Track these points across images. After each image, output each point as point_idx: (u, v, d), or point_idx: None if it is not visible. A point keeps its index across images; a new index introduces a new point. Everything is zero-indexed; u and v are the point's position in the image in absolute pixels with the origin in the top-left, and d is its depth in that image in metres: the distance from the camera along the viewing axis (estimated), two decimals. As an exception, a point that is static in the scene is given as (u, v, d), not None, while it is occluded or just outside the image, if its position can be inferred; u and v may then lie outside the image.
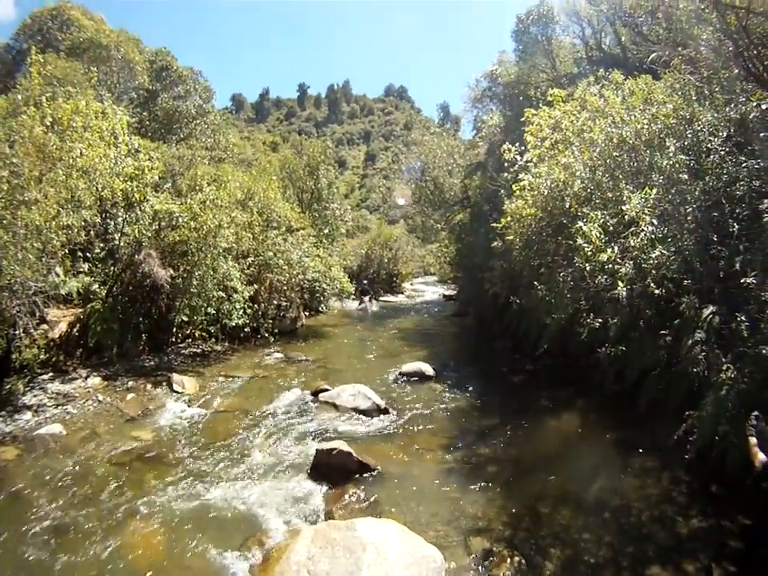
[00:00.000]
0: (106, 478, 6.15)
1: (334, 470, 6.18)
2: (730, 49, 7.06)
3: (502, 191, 11.52)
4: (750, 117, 6.75)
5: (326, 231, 21.64)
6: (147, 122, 20.89)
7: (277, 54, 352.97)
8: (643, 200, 6.74)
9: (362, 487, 6.00)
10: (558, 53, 15.67)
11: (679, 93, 7.87)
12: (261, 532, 5.12)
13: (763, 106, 6.60)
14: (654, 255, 6.43)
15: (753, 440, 4.38)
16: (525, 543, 5.00)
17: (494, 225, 10.41)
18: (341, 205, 24.50)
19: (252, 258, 13.56)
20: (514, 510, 5.57)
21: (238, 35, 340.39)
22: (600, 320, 7.42)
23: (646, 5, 10.35)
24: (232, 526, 5.25)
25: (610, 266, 6.74)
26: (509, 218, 9.54)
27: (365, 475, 6.25)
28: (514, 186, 9.63)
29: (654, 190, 6.85)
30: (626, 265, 6.62)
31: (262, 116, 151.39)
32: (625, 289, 6.49)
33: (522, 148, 9.88)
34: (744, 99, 7.00)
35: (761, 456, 4.24)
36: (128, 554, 4.79)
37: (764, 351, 5.14)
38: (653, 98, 8.22)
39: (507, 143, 10.40)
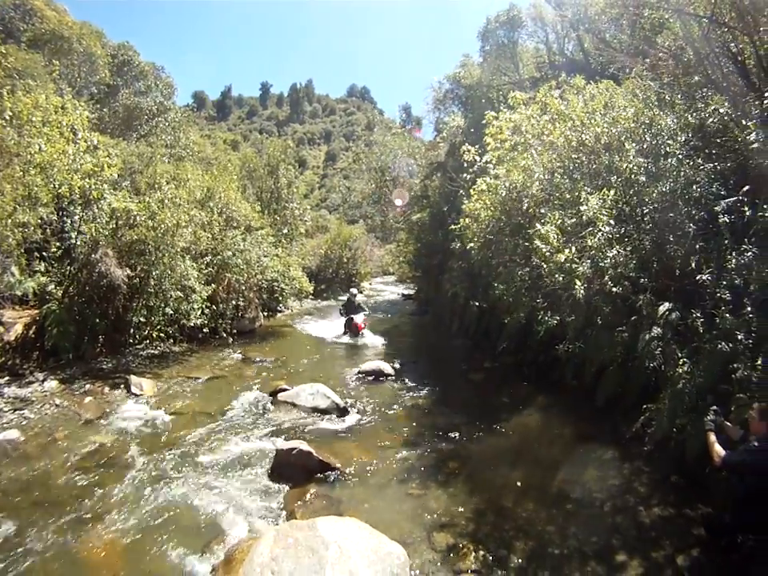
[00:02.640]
0: (65, 484, 5.90)
1: (294, 470, 6.07)
2: (692, 57, 7.28)
3: (461, 192, 11.61)
4: (709, 122, 6.95)
5: (285, 231, 21.21)
6: (107, 118, 20.19)
7: (241, 51, 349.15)
8: (601, 201, 6.83)
9: (324, 486, 5.93)
10: (521, 57, 15.91)
11: (640, 98, 8.01)
12: (223, 534, 5.01)
13: (721, 110, 6.79)
14: (611, 254, 6.52)
15: (711, 435, 4.33)
16: (489, 537, 4.98)
17: (453, 226, 10.46)
18: (300, 204, 24.05)
19: (210, 258, 13.28)
20: (476, 505, 5.54)
21: (202, 31, 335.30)
22: (557, 318, 7.60)
23: (610, 12, 10.58)
24: (194, 528, 5.09)
25: (568, 265, 6.77)
26: (467, 219, 9.60)
27: (326, 474, 6.16)
28: (472, 190, 9.69)
29: (612, 192, 6.96)
30: (584, 264, 6.67)
31: (223, 114, 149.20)
32: (582, 287, 6.53)
33: (482, 150, 9.95)
34: (703, 105, 7.20)
35: (719, 451, 4.19)
36: (89, 561, 4.59)
37: (720, 346, 5.27)
38: (613, 102, 8.30)
39: (467, 144, 10.48)
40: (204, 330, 12.45)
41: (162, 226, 10.66)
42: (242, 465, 6.43)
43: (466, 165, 10.73)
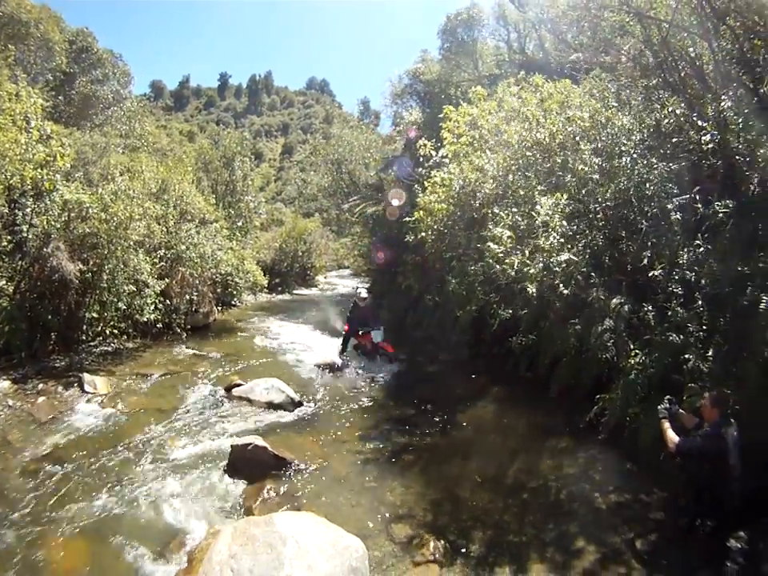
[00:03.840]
0: (20, 488, 5.57)
1: (250, 466, 5.95)
2: (651, 59, 7.36)
3: (416, 186, 11.53)
4: (665, 123, 7.05)
5: (240, 224, 20.84)
6: (62, 107, 19.36)
7: (200, 40, 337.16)
8: (554, 203, 6.88)
9: (280, 481, 5.84)
10: (481, 54, 15.97)
11: (597, 98, 8.11)
12: (182, 533, 4.87)
13: (678, 111, 6.90)
14: (562, 258, 6.52)
15: (666, 423, 4.45)
16: (447, 527, 4.98)
17: (407, 219, 10.44)
18: (255, 197, 23.81)
19: (164, 251, 12.83)
20: (433, 496, 5.55)
21: (162, 18, 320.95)
22: (511, 311, 7.58)
23: (572, 14, 10.69)
24: (153, 529, 4.93)
25: (520, 266, 6.83)
26: (421, 212, 9.61)
27: (282, 469, 6.05)
28: (426, 182, 9.72)
29: (566, 191, 7.03)
30: (536, 266, 6.68)
31: (180, 104, 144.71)
32: (534, 288, 6.59)
33: (439, 144, 9.94)
34: (660, 107, 7.31)
35: (673, 437, 4.30)
36: (47, 569, 4.35)
37: (671, 338, 5.39)
38: (570, 101, 8.42)
39: (424, 139, 10.46)
40: (158, 326, 12.01)
41: (115, 218, 10.23)
42: (197, 462, 6.26)
43: (422, 159, 10.70)
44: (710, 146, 5.79)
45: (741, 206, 5.63)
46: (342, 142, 24.15)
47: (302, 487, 5.72)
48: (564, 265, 6.51)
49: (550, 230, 6.72)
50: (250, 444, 6.09)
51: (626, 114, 7.64)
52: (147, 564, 4.43)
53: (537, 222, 6.85)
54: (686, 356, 5.23)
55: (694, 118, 6.28)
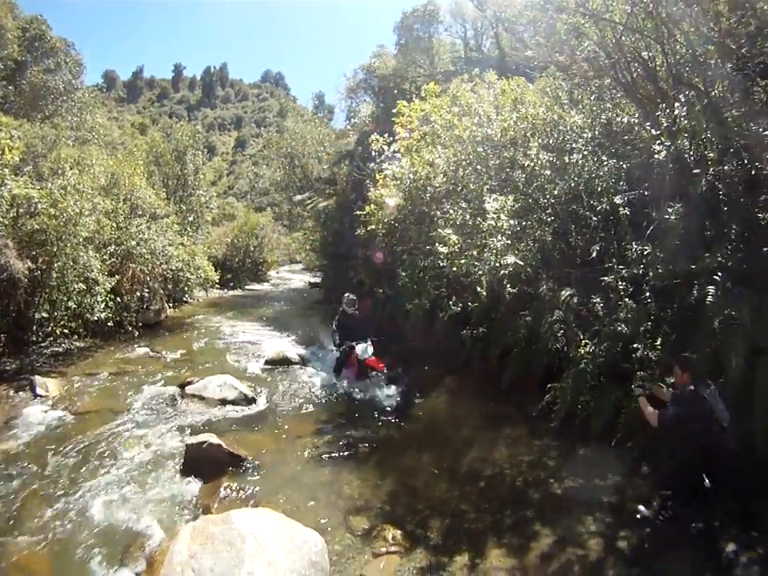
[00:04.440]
0: None
1: (206, 464, 5.80)
2: (604, 60, 7.40)
3: (368, 180, 11.47)
4: (616, 121, 7.11)
5: (191, 219, 20.28)
6: (12, 97, 18.50)
7: (156, 29, 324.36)
8: (501, 206, 6.89)
9: (237, 478, 5.72)
10: (437, 50, 15.94)
11: (550, 96, 8.20)
12: (141, 537, 4.70)
13: (630, 112, 7.03)
14: (509, 261, 6.47)
15: (643, 400, 4.54)
16: (405, 518, 4.95)
17: (359, 212, 10.35)
18: (207, 191, 23.25)
19: (114, 248, 12.27)
20: (390, 488, 5.52)
21: (117, 6, 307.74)
22: (461, 304, 7.62)
23: (529, 14, 10.73)
24: (111, 534, 4.73)
25: (468, 267, 6.94)
26: (372, 206, 9.55)
27: (238, 466, 5.93)
28: (377, 175, 9.68)
29: (512, 197, 7.05)
30: (484, 267, 6.78)
31: (133, 96, 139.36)
32: (484, 287, 6.80)
33: (392, 139, 9.87)
34: (612, 106, 7.42)
35: (653, 411, 4.38)
36: None
37: (619, 328, 5.45)
38: (523, 99, 8.46)
39: (376, 134, 10.39)
40: (108, 324, 11.44)
41: (65, 214, 9.74)
42: (153, 462, 6.07)
43: (374, 153, 10.62)
44: (662, 155, 5.80)
45: (689, 207, 5.65)
46: (296, 136, 23.82)
47: (259, 483, 5.61)
48: (510, 267, 6.52)
49: (497, 231, 6.73)
50: (205, 442, 5.95)
51: (578, 112, 7.71)
52: (108, 571, 4.27)
53: (484, 225, 6.85)
54: (635, 345, 5.30)
55: (648, 126, 6.28)
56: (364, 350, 8.75)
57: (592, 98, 7.89)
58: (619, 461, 5.24)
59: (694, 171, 5.68)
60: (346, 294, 9.57)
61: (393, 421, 7.32)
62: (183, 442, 6.31)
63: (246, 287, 25.74)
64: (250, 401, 8.02)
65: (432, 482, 5.58)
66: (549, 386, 5.99)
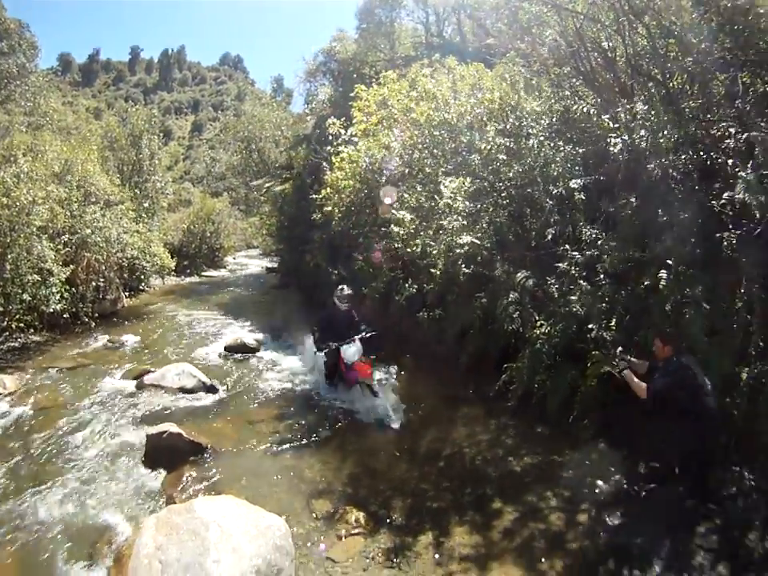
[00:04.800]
0: None
1: (167, 454, 5.68)
2: (565, 49, 7.36)
3: (324, 164, 11.26)
4: (574, 109, 7.07)
5: (147, 205, 19.34)
6: None
7: (113, 11, 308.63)
8: (458, 187, 6.94)
9: (199, 467, 5.61)
10: (399, 35, 15.76)
11: (508, 82, 8.10)
12: (108, 531, 4.55)
13: (588, 100, 7.00)
14: (464, 241, 6.52)
15: (629, 373, 4.63)
16: (367, 499, 4.93)
17: (314, 196, 10.27)
18: (162, 177, 22.23)
19: (68, 237, 11.63)
20: (351, 470, 5.50)
21: None
22: (416, 286, 7.64)
23: (492, 1, 10.67)
24: (78, 531, 4.56)
25: (424, 247, 6.92)
26: (329, 189, 9.45)
27: (199, 454, 5.81)
28: (333, 158, 9.55)
29: (469, 178, 7.09)
30: (439, 247, 6.78)
31: (89, 79, 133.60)
32: (440, 268, 6.71)
33: (349, 123, 9.77)
34: (570, 94, 7.43)
35: (642, 384, 4.47)
36: None
37: (574, 309, 5.47)
38: (482, 84, 8.45)
39: (333, 117, 10.23)
40: (64, 316, 10.92)
41: (18, 203, 9.20)
42: (115, 455, 5.87)
43: (331, 137, 10.42)
44: (619, 146, 5.77)
45: (642, 196, 5.76)
46: (253, 120, 23.24)
47: (221, 471, 5.50)
48: (466, 247, 6.55)
49: (453, 211, 6.73)
50: (165, 432, 5.83)
51: (536, 98, 7.69)
52: (77, 568, 4.12)
53: (440, 204, 6.86)
54: (590, 326, 5.31)
55: (606, 118, 6.21)
56: (352, 352, 7.10)
57: (551, 85, 7.86)
58: (576, 437, 5.33)
59: (649, 161, 5.66)
60: (341, 287, 7.72)
61: (349, 406, 7.20)
62: (144, 432, 6.14)
63: (203, 274, 24.99)
64: (209, 388, 7.84)
65: (393, 463, 5.58)
66: (505, 366, 6.00)
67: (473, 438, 5.95)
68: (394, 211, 7.43)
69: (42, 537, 4.44)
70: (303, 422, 6.70)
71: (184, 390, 7.70)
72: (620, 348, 4.93)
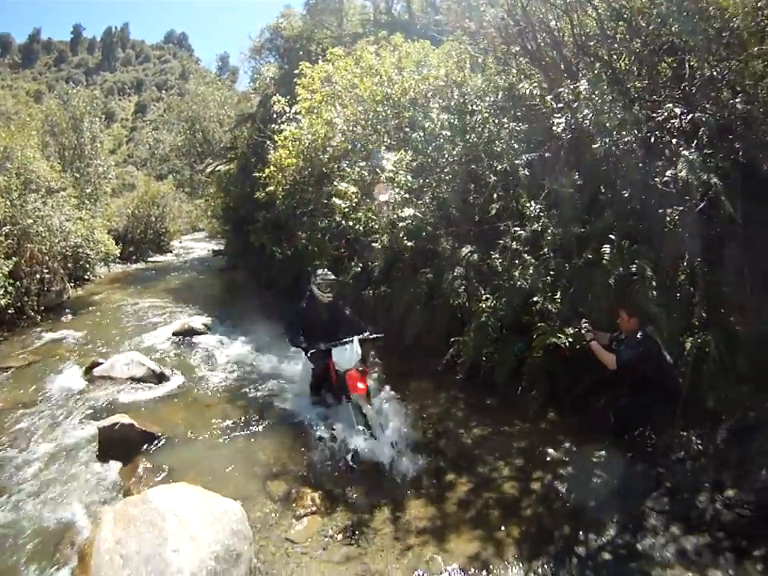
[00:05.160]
0: None
1: (120, 446, 5.51)
2: (513, 28, 7.32)
3: (269, 142, 10.99)
4: (519, 87, 7.00)
5: (89, 191, 18.38)
6: None
7: None
8: (399, 160, 6.92)
9: (153, 457, 5.46)
10: (347, 12, 15.49)
11: (455, 59, 8.05)
12: (69, 530, 4.37)
13: (533, 78, 7.02)
14: (406, 213, 6.56)
15: (596, 345, 4.77)
16: (322, 478, 4.90)
17: (258, 174, 10.05)
18: (105, 161, 21.09)
19: (9, 228, 10.89)
20: (305, 450, 5.40)
21: None
22: (362, 264, 7.52)
23: (442, -21, 10.56)
24: (39, 533, 4.34)
25: (366, 220, 6.94)
26: (272, 168, 9.26)
27: (152, 444, 5.67)
28: (276, 137, 9.38)
29: (411, 152, 7.05)
30: (381, 221, 6.79)
31: (29, 61, 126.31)
32: (383, 242, 6.64)
33: (294, 101, 9.57)
34: (516, 72, 7.41)
35: (610, 355, 4.61)
36: None
37: (518, 283, 5.52)
38: (427, 61, 8.47)
39: (278, 95, 10.08)
40: (9, 311, 10.22)
41: None
42: (69, 452, 5.64)
43: (276, 116, 10.28)
44: (562, 125, 5.84)
45: (584, 174, 5.84)
46: (197, 99, 22.36)
47: (175, 459, 5.36)
48: (409, 220, 6.58)
49: (395, 184, 6.74)
50: (117, 423, 5.63)
51: (482, 76, 7.63)
52: (41, 571, 3.93)
53: (382, 177, 6.81)
54: (535, 299, 5.38)
55: (550, 98, 6.30)
56: (346, 358, 5.52)
57: (497, 63, 7.81)
58: (525, 408, 5.40)
59: (593, 140, 5.68)
60: (320, 272, 6.20)
61: (301, 383, 7.03)
62: (95, 426, 5.86)
63: (149, 259, 23.91)
64: (159, 376, 7.62)
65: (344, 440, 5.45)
66: (452, 340, 5.96)
67: (424, 411, 5.96)
68: (335, 182, 7.35)
69: (2, 542, 4.21)
70: (255, 403, 6.60)
71: (134, 380, 7.47)
72: (585, 321, 5.00)
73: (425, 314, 6.70)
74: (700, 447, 4.67)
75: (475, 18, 8.11)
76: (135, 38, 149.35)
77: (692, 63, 5.81)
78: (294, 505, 4.51)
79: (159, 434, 5.76)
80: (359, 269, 7.47)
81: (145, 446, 5.59)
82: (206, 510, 3.88)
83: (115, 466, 5.30)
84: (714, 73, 5.60)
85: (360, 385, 5.31)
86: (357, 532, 4.12)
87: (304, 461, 5.22)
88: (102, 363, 7.96)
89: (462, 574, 3.66)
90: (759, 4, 5.37)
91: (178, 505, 3.86)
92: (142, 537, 3.59)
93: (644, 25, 6.07)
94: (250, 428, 5.96)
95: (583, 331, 4.91)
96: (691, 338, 4.76)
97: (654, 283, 4.88)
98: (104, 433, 5.57)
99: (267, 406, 6.49)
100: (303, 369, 6.74)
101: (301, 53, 14.52)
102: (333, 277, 6.22)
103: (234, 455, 5.37)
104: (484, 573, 3.65)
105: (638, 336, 4.57)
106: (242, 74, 25.61)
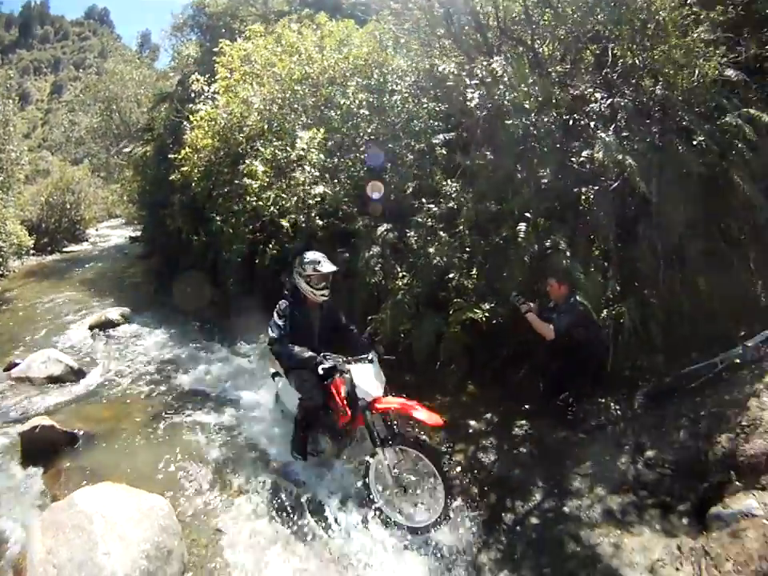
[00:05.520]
0: None
1: (42, 449, 5.20)
2: (438, 10, 7.29)
3: (186, 123, 10.42)
4: (439, 67, 6.99)
5: (1, 179, 16.87)
6: None
7: None
8: (312, 138, 6.83)
9: (77, 458, 5.18)
10: (273, -11, 14.81)
11: (378, 39, 7.99)
12: (1, 544, 4.07)
13: (455, 60, 6.97)
14: (317, 191, 6.54)
15: (531, 316, 4.80)
16: (246, 462, 4.85)
17: (172, 155, 9.58)
18: (18, 146, 19.24)
19: None
20: (227, 437, 5.33)
21: None
22: (278, 247, 7.30)
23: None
24: None
25: (276, 200, 6.82)
26: (188, 149, 8.85)
27: (75, 444, 5.39)
28: (192, 116, 9.02)
29: (323, 129, 6.97)
30: (291, 200, 6.71)
31: None
32: (292, 219, 6.59)
33: (213, 79, 9.20)
34: (438, 53, 7.41)
35: (546, 325, 4.66)
36: None
37: (434, 260, 5.56)
38: (350, 40, 8.32)
39: (197, 74, 9.73)
40: None
41: None
42: None
43: (194, 95, 9.91)
44: (476, 101, 5.92)
45: (499, 151, 5.92)
46: (115, 79, 21.03)
47: (100, 458, 5.13)
48: (318, 198, 6.54)
49: (307, 162, 6.67)
50: (37, 426, 5.34)
51: (404, 56, 7.63)
52: None
53: (292, 155, 6.78)
54: (450, 275, 5.45)
55: (464, 75, 6.40)
56: (372, 381, 4.03)
57: (420, 44, 7.76)
58: (444, 383, 5.52)
59: (509, 118, 5.77)
60: (309, 257, 4.52)
61: (223, 364, 7.19)
62: (16, 431, 5.52)
63: (65, 250, 22.45)
64: (78, 373, 7.28)
65: (265, 423, 5.45)
66: (369, 318, 5.86)
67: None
68: (247, 161, 7.19)
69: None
70: (175, 394, 6.43)
71: (52, 379, 7.10)
72: (515, 293, 5.05)
73: (342, 293, 6.51)
74: (619, 413, 4.88)
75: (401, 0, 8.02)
76: (55, 13, 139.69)
77: (615, 51, 6.00)
78: (221, 493, 4.42)
79: (82, 434, 5.50)
80: (275, 252, 7.21)
81: (68, 447, 5.31)
82: (132, 507, 3.80)
83: (39, 470, 4.99)
84: (637, 61, 5.82)
85: (411, 410, 3.90)
86: (284, 512, 4.06)
87: (229, 448, 5.08)
88: (18, 364, 7.53)
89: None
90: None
91: (105, 505, 3.76)
92: (71, 543, 3.47)
93: (570, 12, 6.14)
94: (173, 419, 5.75)
95: (517, 303, 4.94)
96: (606, 310, 4.97)
97: (568, 254, 5.09)
98: (25, 437, 5.29)
99: (189, 396, 6.31)
100: (278, 397, 5.18)
101: (224, 30, 13.94)
102: (331, 266, 4.48)
103: (158, 449, 5.16)
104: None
105: (570, 302, 4.68)
106: (163, 52, 24.26)
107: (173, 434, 5.45)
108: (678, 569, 3.27)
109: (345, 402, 4.06)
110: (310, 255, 4.51)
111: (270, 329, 4.33)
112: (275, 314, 4.36)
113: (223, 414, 5.78)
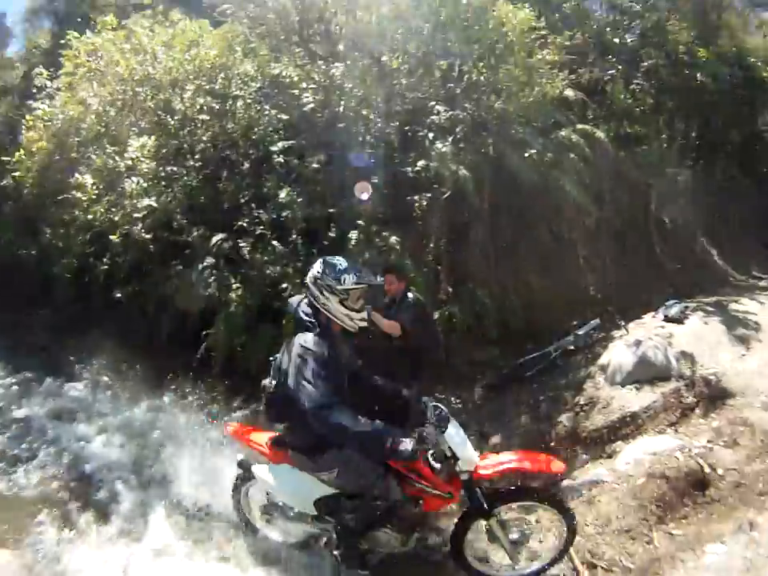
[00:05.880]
0: None
1: None
2: (293, 18, 7.45)
3: (24, 121, 9.44)
4: (285, 74, 7.10)
5: None
6: None
7: None
8: (142, 146, 6.70)
9: None
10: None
11: (229, 42, 7.73)
12: None
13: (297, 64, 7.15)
14: (144, 204, 6.33)
15: (375, 314, 4.41)
16: (95, 490, 4.44)
17: (6, 158, 8.71)
18: None
19: None
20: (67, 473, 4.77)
21: None
22: (110, 261, 6.97)
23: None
24: None
25: (104, 213, 6.62)
26: (22, 152, 8.10)
27: None
28: (27, 116, 8.30)
29: (154, 137, 6.85)
30: (119, 213, 6.48)
31: None
32: (119, 237, 6.39)
33: (57, 74, 8.46)
34: (287, 60, 7.37)
35: (388, 321, 4.42)
36: None
37: (268, 271, 5.58)
38: (202, 41, 7.85)
39: (42, 66, 9.14)
40: None
41: None
42: None
43: (36, 90, 9.08)
44: (312, 105, 6.19)
45: (330, 158, 6.21)
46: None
47: None
48: (146, 211, 6.35)
49: (138, 173, 6.51)
50: None
51: (252, 61, 7.48)
52: None
53: (121, 165, 6.59)
54: (284, 285, 5.41)
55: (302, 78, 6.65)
56: (461, 440, 2.91)
57: (271, 50, 7.72)
58: None
59: (347, 126, 6.04)
60: (338, 262, 2.82)
61: (63, 391, 6.52)
62: None
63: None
64: None
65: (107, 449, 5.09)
66: (204, 333, 5.78)
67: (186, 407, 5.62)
68: (77, 175, 6.78)
69: None
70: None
71: None
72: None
73: (177, 307, 6.31)
74: (460, 405, 5.04)
75: (258, 3, 7.94)
76: None
77: (462, 67, 6.33)
78: (66, 530, 3.86)
79: None
80: (105, 266, 6.83)
81: None
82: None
83: None
84: (482, 78, 6.18)
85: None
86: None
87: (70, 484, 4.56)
88: None
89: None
90: (533, 24, 6.19)
91: None
92: None
93: (422, 27, 6.38)
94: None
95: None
96: (439, 311, 5.15)
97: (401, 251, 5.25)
98: None
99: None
100: (243, 498, 3.43)
101: (79, 20, 12.65)
102: (370, 277, 3.03)
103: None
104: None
105: (408, 298, 4.55)
106: (14, 40, 21.78)
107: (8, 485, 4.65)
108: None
109: (441, 481, 2.83)
110: (339, 261, 2.83)
111: (302, 384, 2.51)
112: (306, 359, 2.56)
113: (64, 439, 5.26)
